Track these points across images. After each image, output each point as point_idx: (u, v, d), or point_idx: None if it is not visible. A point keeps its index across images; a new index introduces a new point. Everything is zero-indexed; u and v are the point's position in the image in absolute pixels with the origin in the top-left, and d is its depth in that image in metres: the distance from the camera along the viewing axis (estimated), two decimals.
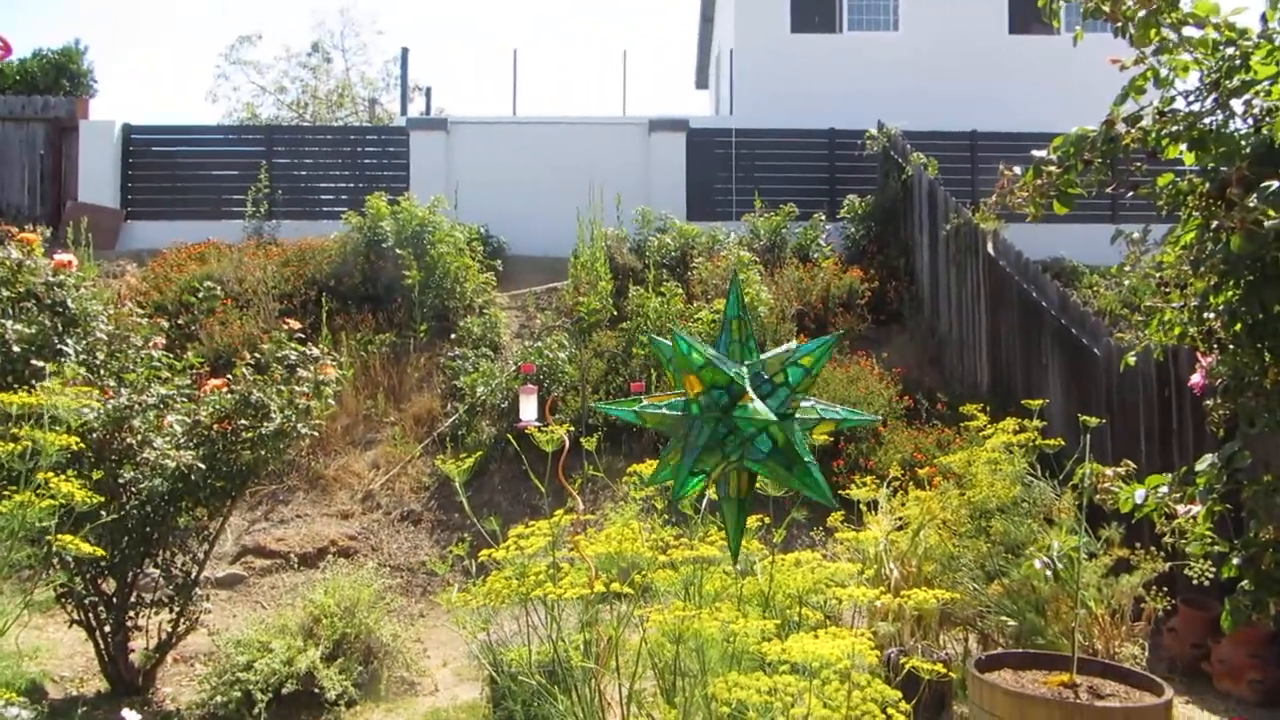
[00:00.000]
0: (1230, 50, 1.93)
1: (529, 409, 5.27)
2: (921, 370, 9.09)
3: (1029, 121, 12.22)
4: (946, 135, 12.49)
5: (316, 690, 4.60)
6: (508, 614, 3.27)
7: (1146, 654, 4.65)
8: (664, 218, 11.38)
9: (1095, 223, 11.65)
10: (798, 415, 2.02)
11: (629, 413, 2.02)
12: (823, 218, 11.34)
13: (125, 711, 3.53)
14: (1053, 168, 2.18)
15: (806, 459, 1.88)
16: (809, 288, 9.87)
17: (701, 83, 22.51)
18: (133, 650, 5.04)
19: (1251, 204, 1.72)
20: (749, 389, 1.87)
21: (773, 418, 1.82)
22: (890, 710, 2.35)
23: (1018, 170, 2.35)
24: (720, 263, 10.00)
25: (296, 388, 5.28)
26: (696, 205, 12.75)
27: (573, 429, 3.83)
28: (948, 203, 9.41)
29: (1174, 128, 1.99)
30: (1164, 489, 2.25)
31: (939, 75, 13.76)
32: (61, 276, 5.13)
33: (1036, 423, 5.09)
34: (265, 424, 5.06)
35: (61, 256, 5.25)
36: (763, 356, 2.09)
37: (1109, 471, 2.82)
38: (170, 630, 5.06)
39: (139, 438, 4.80)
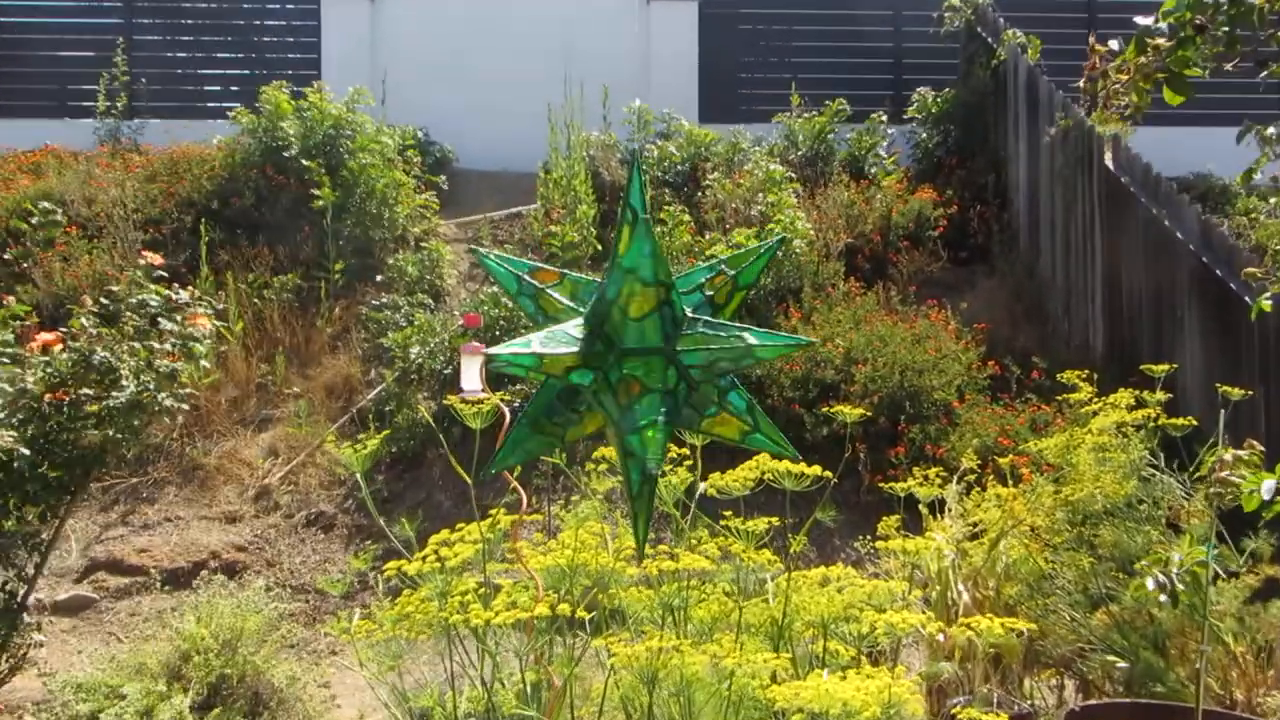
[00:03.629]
0: None
1: (471, 375, 5.25)
2: (1014, 326, 9.05)
3: None
4: (1055, 4, 12.36)
5: None
6: (432, 648, 3.28)
7: None
8: (667, 118, 11.28)
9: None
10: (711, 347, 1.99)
11: (528, 357, 1.99)
12: (883, 119, 11.24)
13: None
14: (1161, 40, 2.12)
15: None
16: (863, 214, 9.81)
17: None
18: None
19: None
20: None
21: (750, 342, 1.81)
22: None
23: (1114, 45, 2.29)
24: (744, 179, 9.94)
25: (158, 345, 5.27)
26: (712, 102, 12.63)
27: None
28: (1053, 98, 9.32)
29: None
30: None
31: None
32: None
33: (1161, 395, 5.07)
34: (114, 393, 5.06)
35: None
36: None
37: (1227, 455, 2.78)
38: None
39: None
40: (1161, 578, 3.48)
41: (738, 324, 2.19)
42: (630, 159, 2.35)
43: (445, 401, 3.53)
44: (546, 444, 2.04)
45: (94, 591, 6.66)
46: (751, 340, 2.11)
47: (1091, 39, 2.38)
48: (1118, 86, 2.30)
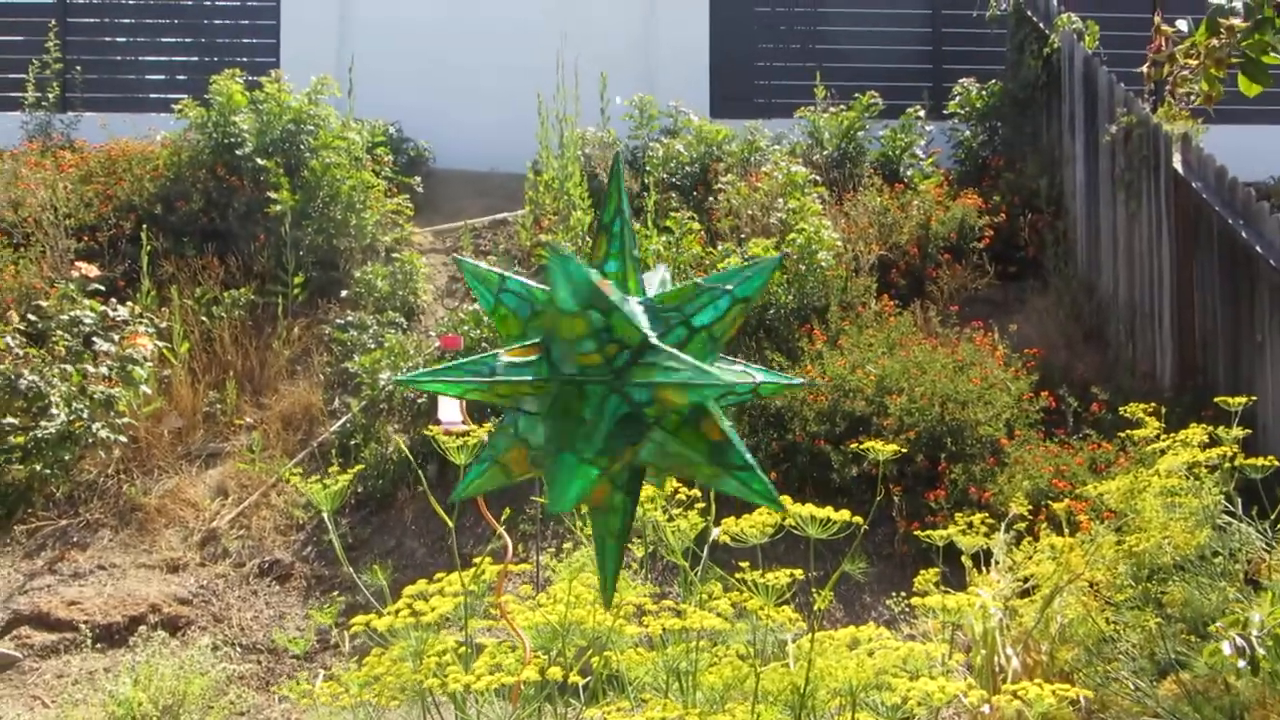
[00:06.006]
0: None
1: (450, 405, 5.28)
2: (1071, 351, 9.06)
3: None
4: None
5: None
6: (402, 717, 3.28)
7: None
8: (674, 112, 11.32)
9: None
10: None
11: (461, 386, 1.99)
12: (920, 114, 11.28)
13: None
14: (1236, 21, 2.14)
15: (737, 444, 1.87)
16: (898, 222, 9.83)
17: None
18: None
19: None
20: (652, 336, 1.84)
21: (724, 378, 1.79)
22: None
23: (1183, 26, 2.31)
24: (761, 182, 9.97)
25: (92, 368, 5.31)
26: (725, 94, 12.70)
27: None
28: (1114, 91, 9.36)
29: None
30: None
31: None
32: None
33: (1238, 431, 5.08)
34: (43, 422, 5.08)
35: None
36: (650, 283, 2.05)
37: None
38: None
39: None
40: (1240, 641, 3.48)
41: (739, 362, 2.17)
42: (613, 162, 2.33)
43: (426, 432, 3.54)
44: (500, 475, 2.03)
45: (16, 649, 6.63)
46: (761, 375, 2.08)
47: (1157, 18, 2.40)
48: (1185, 73, 2.32)
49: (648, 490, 3.21)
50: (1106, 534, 5.01)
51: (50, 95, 11.99)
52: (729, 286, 2.02)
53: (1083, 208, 9.85)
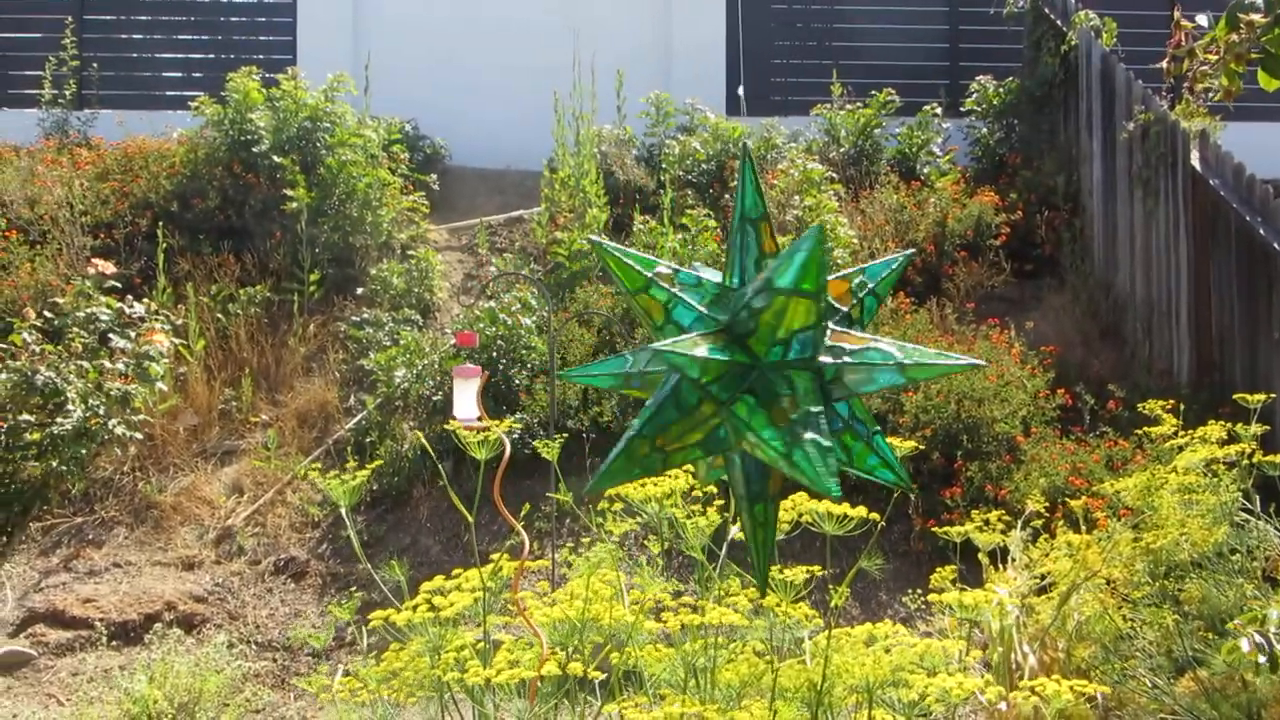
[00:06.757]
0: None
1: (465, 401, 5.30)
2: (1087, 349, 9.04)
3: None
4: None
5: None
6: (420, 713, 3.29)
7: None
8: (690, 109, 11.31)
9: None
10: (863, 361, 2.00)
11: (611, 378, 1.99)
12: (937, 111, 11.26)
13: None
14: (1257, 16, 2.13)
15: (875, 430, 1.89)
16: (914, 220, 9.82)
17: None
18: None
19: None
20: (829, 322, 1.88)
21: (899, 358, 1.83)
22: None
23: (1203, 21, 2.31)
24: (778, 179, 9.98)
25: (109, 364, 5.33)
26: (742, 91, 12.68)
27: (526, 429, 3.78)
28: (1131, 89, 9.33)
29: None
30: None
31: None
32: None
33: (1256, 428, 5.07)
34: (59, 419, 5.10)
35: None
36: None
37: None
38: None
39: None
40: (1258, 638, 3.47)
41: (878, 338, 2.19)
42: (743, 154, 2.32)
43: (447, 427, 3.54)
44: (655, 464, 2.04)
45: (31, 647, 6.67)
46: (899, 357, 2.08)
47: (1176, 13, 2.40)
48: (1205, 68, 2.32)
49: (663, 486, 3.23)
50: (1124, 531, 5.00)
51: (67, 92, 12.02)
52: (879, 291, 2.07)
53: (1100, 205, 9.83)
